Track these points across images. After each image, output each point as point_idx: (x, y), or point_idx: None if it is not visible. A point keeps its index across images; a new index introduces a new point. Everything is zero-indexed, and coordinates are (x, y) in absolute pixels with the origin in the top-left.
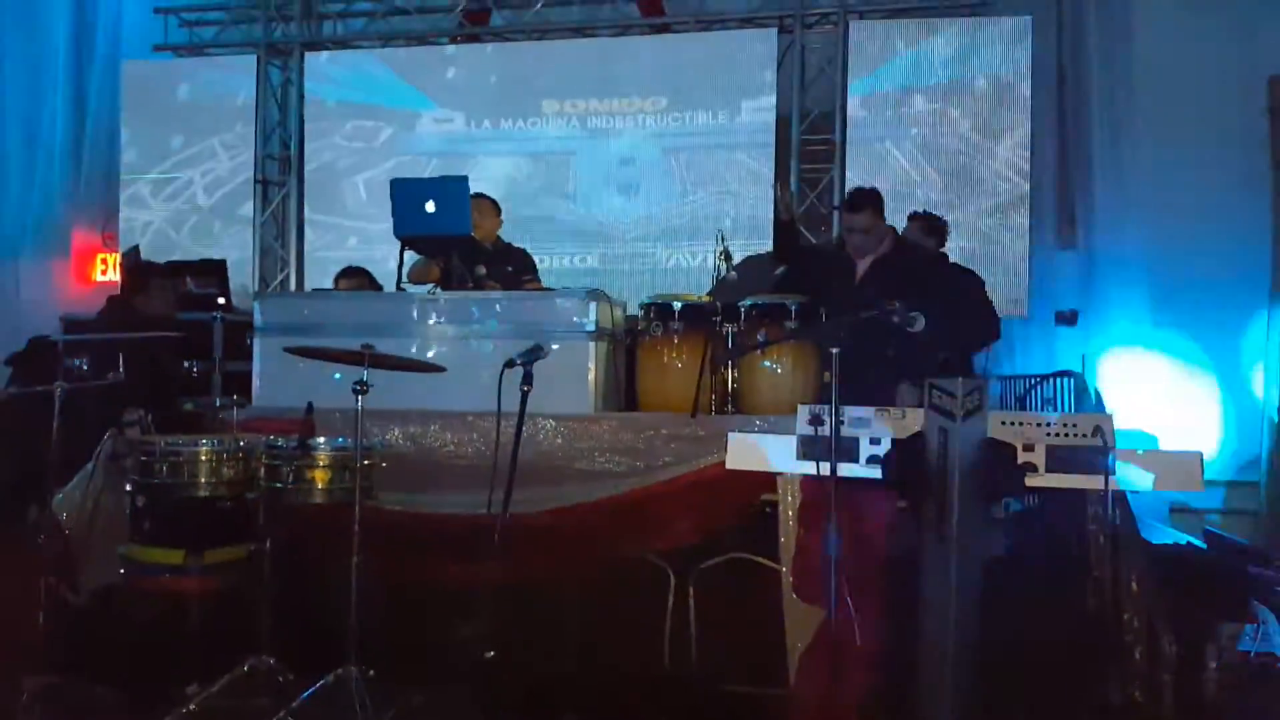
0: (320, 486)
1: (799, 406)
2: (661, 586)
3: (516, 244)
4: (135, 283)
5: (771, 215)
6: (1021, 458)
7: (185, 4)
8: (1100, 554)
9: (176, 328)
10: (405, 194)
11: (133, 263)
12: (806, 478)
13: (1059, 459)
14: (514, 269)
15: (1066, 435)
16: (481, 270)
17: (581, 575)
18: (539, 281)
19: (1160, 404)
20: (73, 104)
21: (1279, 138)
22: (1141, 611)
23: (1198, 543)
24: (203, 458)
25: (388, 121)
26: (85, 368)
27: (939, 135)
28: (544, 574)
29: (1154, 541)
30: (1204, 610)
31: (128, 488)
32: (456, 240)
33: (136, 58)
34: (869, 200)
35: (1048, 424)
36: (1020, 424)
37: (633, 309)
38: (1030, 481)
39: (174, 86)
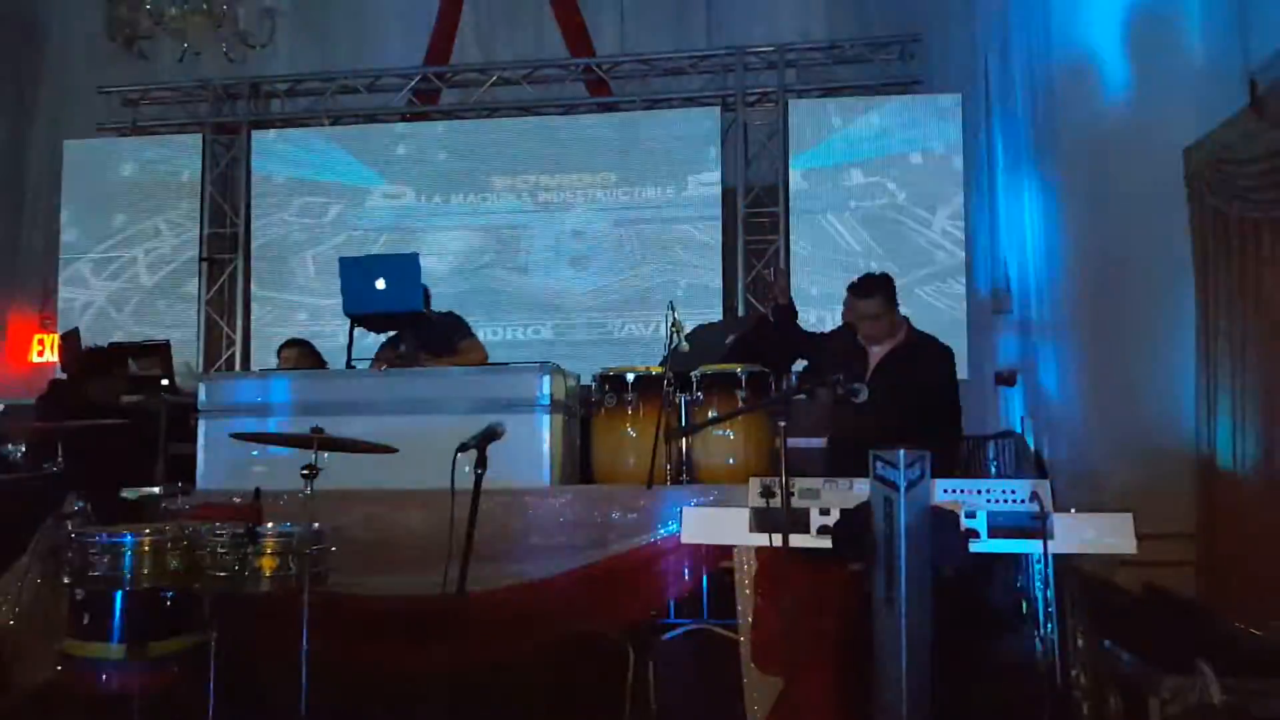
0: (268, 574)
1: (750, 479)
2: (620, 661)
3: (468, 316)
4: (89, 367)
5: (720, 285)
6: (964, 524)
7: (129, 84)
8: (1046, 612)
9: (122, 413)
10: (354, 271)
11: (78, 346)
12: (762, 546)
13: (999, 525)
14: (444, 334)
15: (1006, 501)
16: (403, 347)
17: (539, 653)
18: (475, 339)
19: (1098, 459)
20: (11, 183)
21: (1195, 204)
22: (1088, 667)
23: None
24: (145, 548)
25: (337, 197)
26: (20, 456)
27: (877, 207)
28: (501, 653)
29: (1097, 595)
30: (1148, 664)
31: (65, 580)
32: (405, 317)
33: (78, 137)
34: (879, 287)
35: (987, 491)
36: (961, 491)
37: (586, 379)
38: (973, 548)
39: (117, 165)
